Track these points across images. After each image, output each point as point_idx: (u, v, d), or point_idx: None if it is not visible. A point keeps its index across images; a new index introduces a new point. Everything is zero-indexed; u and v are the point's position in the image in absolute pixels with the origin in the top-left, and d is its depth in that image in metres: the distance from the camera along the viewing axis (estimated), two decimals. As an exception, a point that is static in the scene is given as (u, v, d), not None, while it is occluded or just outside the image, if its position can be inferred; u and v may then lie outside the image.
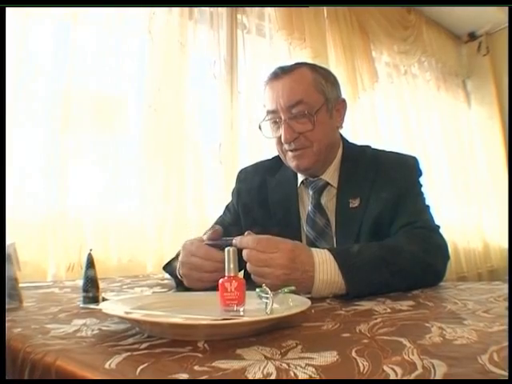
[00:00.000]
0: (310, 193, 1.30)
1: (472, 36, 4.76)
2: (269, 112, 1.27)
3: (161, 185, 2.22)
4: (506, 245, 4.05)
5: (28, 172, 1.86)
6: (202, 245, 1.01)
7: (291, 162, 1.28)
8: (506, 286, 1.00)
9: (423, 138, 3.95)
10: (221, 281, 0.71)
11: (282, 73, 1.26)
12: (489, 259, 4.28)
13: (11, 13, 1.76)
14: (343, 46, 3.31)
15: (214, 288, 0.74)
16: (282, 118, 1.23)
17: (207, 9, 2.63)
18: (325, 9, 3.30)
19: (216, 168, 2.48)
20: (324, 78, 1.28)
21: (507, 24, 4.05)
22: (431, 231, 1.17)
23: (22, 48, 1.87)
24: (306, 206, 1.31)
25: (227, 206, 1.47)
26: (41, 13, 1.93)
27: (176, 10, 2.41)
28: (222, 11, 2.71)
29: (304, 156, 1.25)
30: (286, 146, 1.26)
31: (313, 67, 1.30)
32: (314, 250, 0.94)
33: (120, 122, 2.23)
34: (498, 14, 4.14)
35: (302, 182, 1.33)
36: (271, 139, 1.30)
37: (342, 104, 1.33)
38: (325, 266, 0.91)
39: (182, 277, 1.06)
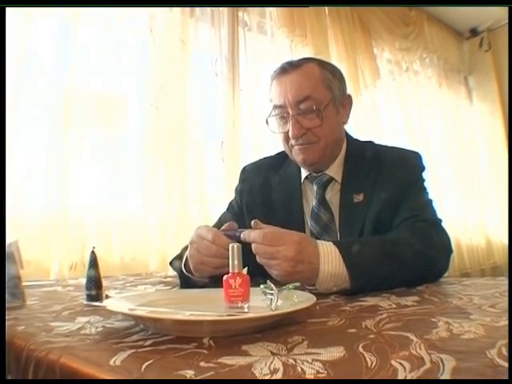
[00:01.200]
0: (315, 188, 1.30)
1: (474, 32, 4.74)
2: (276, 107, 1.27)
3: (163, 183, 2.21)
4: (507, 241, 4.04)
5: (30, 171, 1.85)
6: (213, 229, 1.01)
7: (297, 157, 1.28)
8: (509, 282, 1.00)
9: (425, 135, 3.94)
10: (225, 277, 0.71)
11: (290, 68, 1.26)
12: (491, 256, 4.27)
13: (11, 13, 1.76)
14: (345, 43, 3.30)
15: (217, 276, 0.74)
16: (290, 113, 1.23)
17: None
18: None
19: (218, 166, 2.48)
20: (331, 73, 1.29)
21: (508, 21, 4.03)
22: (433, 225, 1.17)
23: (23, 48, 1.86)
24: (310, 201, 1.31)
25: (230, 203, 1.47)
26: (41, 12, 1.93)
27: (177, 8, 2.40)
28: (223, 9, 2.70)
29: (310, 151, 1.25)
30: (292, 142, 1.26)
31: (320, 63, 1.30)
32: (319, 242, 0.95)
33: (122, 120, 2.22)
34: (500, 10, 4.13)
35: (306, 177, 1.34)
36: (277, 134, 1.31)
37: (347, 100, 1.34)
38: (329, 257, 0.92)
39: (188, 258, 1.06)
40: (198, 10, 2.54)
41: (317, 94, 1.23)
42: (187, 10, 2.46)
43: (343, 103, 1.31)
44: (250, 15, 2.84)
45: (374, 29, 3.64)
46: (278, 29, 2.88)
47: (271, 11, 2.90)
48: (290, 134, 1.23)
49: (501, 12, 4.16)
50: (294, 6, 2.89)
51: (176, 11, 2.40)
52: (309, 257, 0.90)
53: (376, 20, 3.65)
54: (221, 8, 2.68)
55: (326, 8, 3.29)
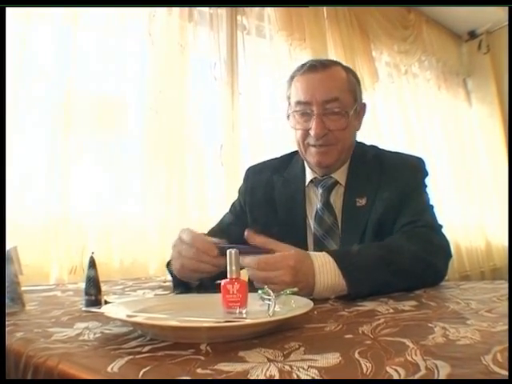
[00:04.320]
0: (320, 191, 1.30)
1: (472, 34, 4.75)
2: (300, 103, 1.26)
3: (162, 187, 2.22)
4: (507, 243, 4.04)
5: (30, 175, 1.86)
6: (193, 232, 1.01)
7: (312, 158, 1.28)
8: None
9: (424, 138, 3.94)
10: (223, 283, 0.71)
11: (320, 66, 1.26)
12: (491, 258, 4.27)
13: (12, 14, 1.76)
14: (343, 46, 3.31)
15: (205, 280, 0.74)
16: (315, 111, 1.22)
17: (207, 10, 2.63)
18: (324, 9, 3.30)
19: (217, 170, 2.48)
20: (356, 79, 1.31)
21: (507, 23, 4.04)
22: (432, 230, 1.17)
23: (23, 50, 1.86)
24: (314, 204, 1.31)
25: (233, 204, 1.48)
26: (41, 14, 1.93)
27: (176, 11, 2.41)
28: (222, 12, 2.71)
29: (328, 153, 1.25)
30: (310, 141, 1.26)
31: (346, 68, 1.32)
32: (312, 254, 0.95)
33: (121, 124, 2.23)
34: (498, 12, 4.13)
35: (311, 180, 1.34)
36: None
37: (363, 108, 1.35)
38: (325, 268, 0.92)
39: (171, 262, 1.10)
40: (196, 13, 2.54)
41: (344, 97, 1.24)
42: (186, 13, 2.46)
43: (359, 111, 1.33)
44: (248, 19, 2.85)
45: (372, 32, 3.65)
46: (277, 32, 2.89)
47: (270, 14, 2.91)
48: (313, 132, 1.23)
49: (499, 14, 4.16)
50: (293, 5, 2.89)
51: (175, 15, 2.40)
52: (305, 275, 0.90)
53: (374, 23, 3.66)
54: (219, 11, 2.69)
55: (325, 11, 3.30)
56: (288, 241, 1.08)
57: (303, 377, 0.43)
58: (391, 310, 0.76)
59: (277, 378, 0.43)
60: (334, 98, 1.22)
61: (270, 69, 2.86)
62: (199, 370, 0.46)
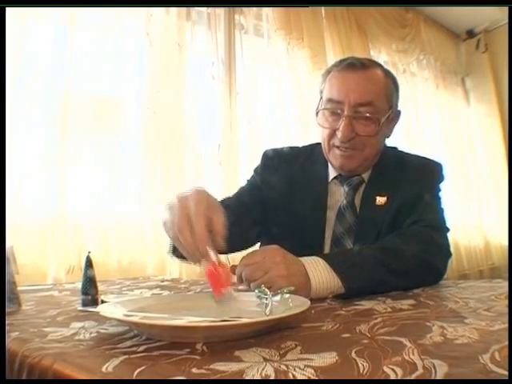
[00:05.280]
0: (346, 189, 1.28)
1: (470, 33, 4.75)
2: (331, 101, 1.22)
3: (160, 186, 2.21)
4: (506, 242, 4.04)
5: (27, 175, 1.85)
6: (203, 206, 0.82)
7: (335, 160, 1.25)
8: (507, 284, 1.00)
9: (423, 136, 3.95)
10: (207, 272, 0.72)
11: (359, 66, 1.21)
12: (490, 257, 4.27)
13: (9, 15, 1.75)
14: (341, 45, 3.31)
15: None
16: (345, 112, 1.18)
17: (205, 10, 2.63)
18: (322, 8, 3.30)
19: (215, 169, 2.48)
20: (394, 84, 1.27)
21: (506, 21, 4.04)
22: (434, 230, 1.15)
23: (21, 50, 1.86)
24: (337, 201, 1.28)
25: (250, 181, 1.41)
26: (39, 13, 1.93)
27: (173, 11, 2.41)
28: (220, 12, 2.71)
29: (352, 158, 1.22)
30: (336, 142, 1.22)
31: (385, 71, 1.27)
32: (302, 258, 0.94)
33: (119, 124, 2.22)
34: (496, 11, 4.13)
35: (336, 177, 1.31)
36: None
37: (397, 115, 1.31)
38: (316, 265, 0.91)
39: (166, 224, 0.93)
40: (194, 13, 2.54)
41: (378, 102, 1.19)
42: (183, 13, 2.46)
43: (392, 118, 1.29)
44: (246, 18, 2.85)
45: (370, 31, 3.65)
46: (275, 31, 2.89)
47: (268, 14, 2.91)
48: (340, 134, 1.19)
49: (497, 13, 4.17)
50: (292, 5, 2.89)
51: (172, 14, 2.40)
52: (297, 268, 0.90)
53: (373, 22, 3.66)
54: (217, 11, 2.68)
55: (323, 10, 3.30)
56: (306, 238, 1.05)
57: (299, 376, 0.42)
58: (389, 309, 0.76)
59: (272, 377, 0.43)
60: (367, 101, 1.17)
61: (267, 68, 2.86)
62: (194, 370, 0.46)
